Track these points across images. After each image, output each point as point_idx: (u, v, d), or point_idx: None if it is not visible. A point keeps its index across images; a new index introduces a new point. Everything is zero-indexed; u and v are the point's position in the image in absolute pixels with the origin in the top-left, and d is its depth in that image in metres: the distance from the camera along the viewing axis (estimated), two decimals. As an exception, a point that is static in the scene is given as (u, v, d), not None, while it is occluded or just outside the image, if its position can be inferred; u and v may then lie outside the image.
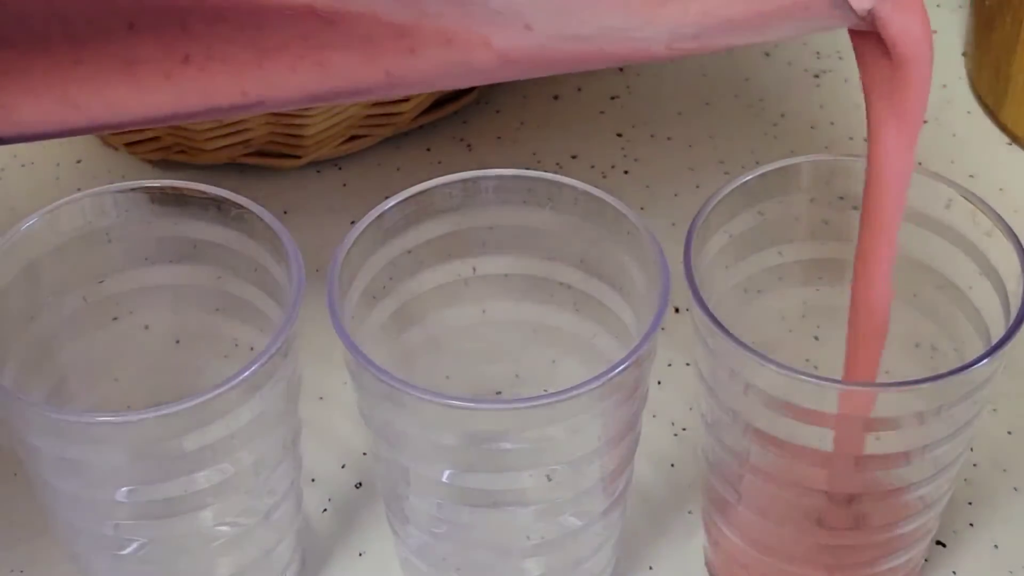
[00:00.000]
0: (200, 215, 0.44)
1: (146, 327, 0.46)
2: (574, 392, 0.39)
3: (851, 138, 0.63)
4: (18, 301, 0.43)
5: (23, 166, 0.62)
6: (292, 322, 0.40)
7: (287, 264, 0.42)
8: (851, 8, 0.33)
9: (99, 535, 0.42)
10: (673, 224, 0.49)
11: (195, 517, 0.42)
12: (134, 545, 0.43)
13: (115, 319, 0.45)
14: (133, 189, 0.44)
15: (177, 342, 0.46)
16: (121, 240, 0.44)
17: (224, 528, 0.43)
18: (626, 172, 0.62)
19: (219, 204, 0.43)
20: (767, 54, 0.67)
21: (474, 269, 0.46)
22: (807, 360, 0.46)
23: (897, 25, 0.35)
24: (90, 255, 0.44)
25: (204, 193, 0.43)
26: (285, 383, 0.41)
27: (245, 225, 0.43)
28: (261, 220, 0.43)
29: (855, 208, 0.44)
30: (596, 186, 0.44)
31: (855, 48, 0.37)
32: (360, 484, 0.51)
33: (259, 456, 0.42)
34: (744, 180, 0.44)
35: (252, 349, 0.45)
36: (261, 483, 0.42)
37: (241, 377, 0.39)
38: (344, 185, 0.61)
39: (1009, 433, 0.52)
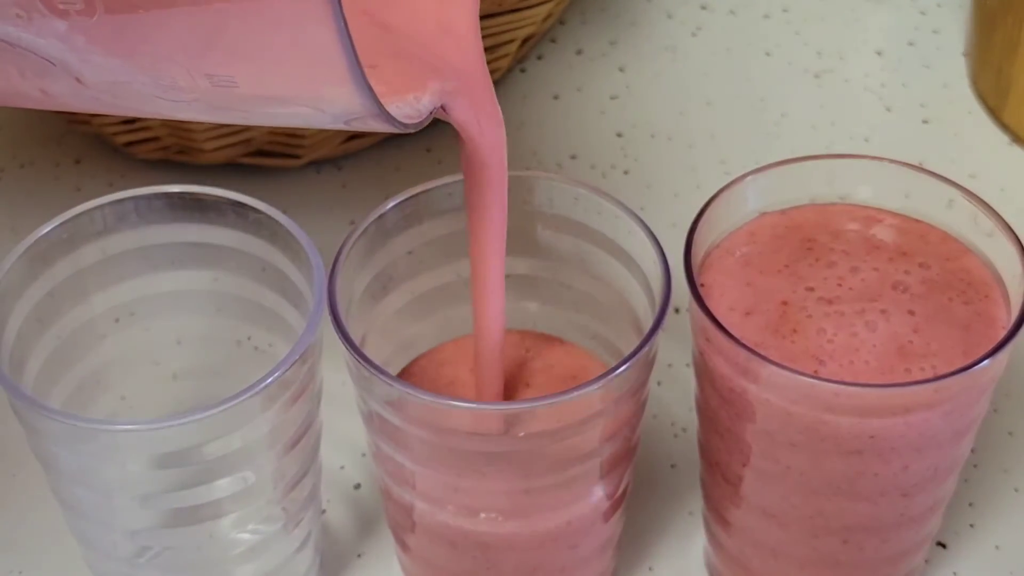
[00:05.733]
0: (218, 220, 0.43)
1: (167, 333, 0.46)
2: (575, 392, 0.39)
3: (851, 138, 0.63)
4: (37, 307, 0.42)
5: (22, 166, 0.62)
6: (313, 330, 0.40)
7: (308, 271, 0.41)
8: (397, 120, 0.35)
9: (117, 542, 0.42)
10: (673, 224, 0.48)
11: (215, 525, 0.42)
12: (152, 552, 0.42)
13: (133, 325, 0.45)
14: (153, 195, 0.43)
15: (197, 347, 0.46)
16: (139, 246, 0.44)
17: (244, 536, 0.43)
18: (626, 172, 0.62)
19: (237, 208, 0.43)
20: (768, 54, 0.67)
21: (474, 269, 0.46)
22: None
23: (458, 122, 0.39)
24: (108, 261, 0.44)
25: (222, 198, 0.43)
26: (306, 391, 0.41)
27: (264, 230, 0.43)
28: (281, 225, 0.42)
29: (856, 207, 0.44)
30: (596, 186, 0.44)
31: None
32: (360, 485, 0.51)
33: (280, 464, 0.41)
34: (745, 180, 0.44)
35: (270, 346, 0.45)
36: (282, 491, 0.42)
37: (262, 385, 0.39)
38: (344, 185, 0.61)
39: (1010, 434, 0.52)
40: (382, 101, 0.33)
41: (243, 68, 0.33)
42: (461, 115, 0.38)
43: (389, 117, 0.33)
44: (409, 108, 0.36)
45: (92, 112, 0.39)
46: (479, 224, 0.41)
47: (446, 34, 0.38)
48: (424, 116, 0.37)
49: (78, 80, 0.35)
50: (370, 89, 0.32)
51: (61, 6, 0.32)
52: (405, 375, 0.45)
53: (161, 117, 0.37)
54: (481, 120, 0.39)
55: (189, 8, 0.31)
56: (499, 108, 0.39)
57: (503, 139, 0.40)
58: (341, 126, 0.35)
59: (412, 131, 0.35)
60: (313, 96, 0.33)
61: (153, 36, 0.33)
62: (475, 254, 0.42)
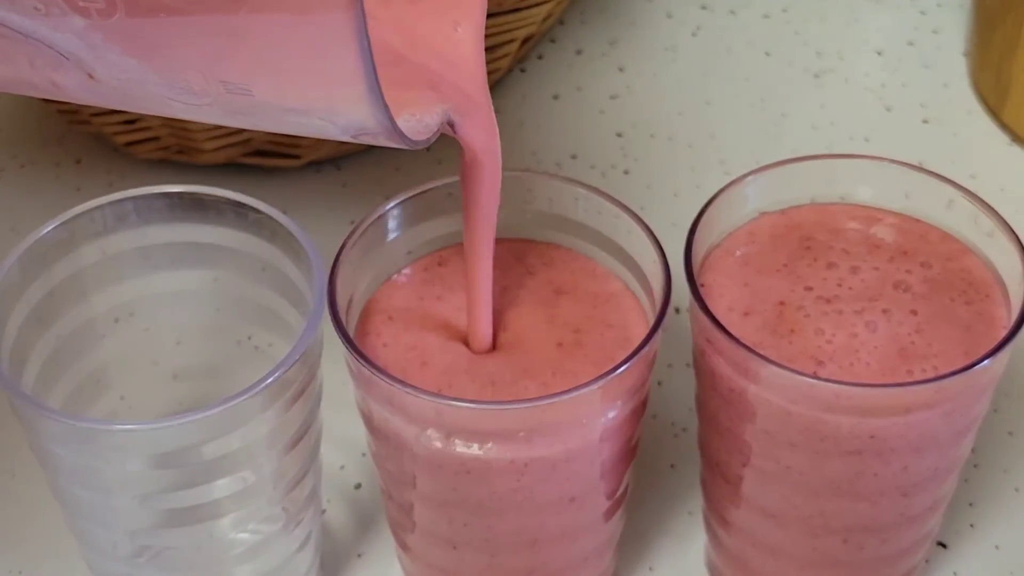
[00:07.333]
0: (218, 220, 0.43)
1: (167, 333, 0.46)
2: (575, 392, 0.39)
3: (851, 138, 0.63)
4: (37, 307, 0.42)
5: (22, 166, 0.62)
6: (313, 330, 0.40)
7: (308, 271, 0.41)
8: (407, 137, 0.35)
9: (117, 542, 0.42)
10: (673, 224, 0.48)
11: (215, 525, 0.42)
12: (152, 552, 0.42)
13: (133, 325, 0.45)
14: (153, 195, 0.43)
15: (197, 347, 0.46)
16: (139, 246, 0.44)
17: (244, 536, 0.43)
18: (626, 172, 0.62)
19: (237, 208, 0.43)
20: (768, 54, 0.67)
21: (474, 269, 0.46)
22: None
23: (465, 139, 0.40)
24: (108, 261, 0.44)
25: (222, 198, 0.43)
26: (306, 391, 0.41)
27: (264, 230, 0.43)
28: (281, 225, 0.42)
29: (856, 207, 0.44)
30: (596, 186, 0.44)
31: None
32: (360, 484, 0.51)
33: (280, 464, 0.41)
34: (745, 180, 0.44)
35: (270, 346, 0.45)
36: (282, 491, 0.42)
37: (262, 385, 0.39)
38: (343, 185, 0.61)
39: (1010, 434, 0.52)
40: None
41: (260, 78, 0.33)
42: (464, 131, 0.39)
43: (401, 135, 0.34)
44: (417, 124, 0.37)
45: (102, 107, 0.39)
46: (474, 217, 0.42)
47: (453, 55, 0.38)
48: (432, 133, 0.37)
49: (90, 76, 0.35)
50: (387, 108, 0.32)
51: (81, 3, 0.32)
52: (419, 269, 0.45)
53: (172, 117, 0.37)
54: (480, 133, 0.40)
55: (212, 17, 0.31)
56: (495, 121, 0.40)
57: (498, 147, 0.41)
58: (348, 139, 0.35)
59: (419, 147, 0.36)
60: (327, 109, 0.33)
61: (172, 40, 0.33)
62: (468, 244, 0.42)
